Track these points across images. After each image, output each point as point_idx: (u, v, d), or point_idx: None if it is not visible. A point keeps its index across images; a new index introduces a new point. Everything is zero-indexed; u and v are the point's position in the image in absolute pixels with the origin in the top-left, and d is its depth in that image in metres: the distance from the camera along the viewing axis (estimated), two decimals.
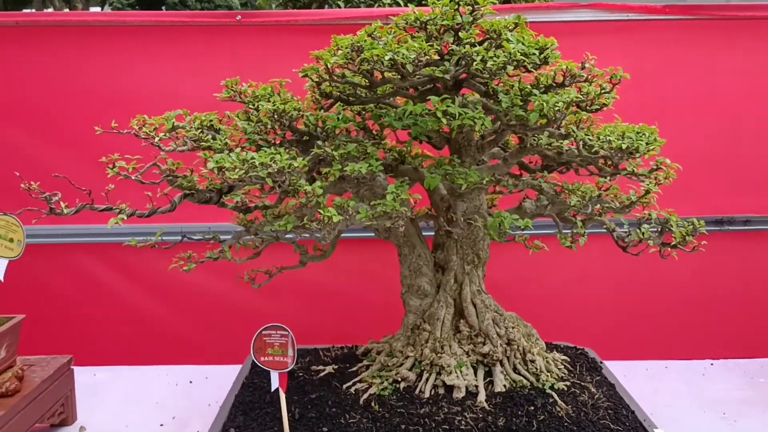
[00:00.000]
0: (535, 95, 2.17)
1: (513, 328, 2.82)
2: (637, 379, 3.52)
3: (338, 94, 2.56)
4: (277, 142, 2.58)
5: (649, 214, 2.68)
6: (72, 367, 3.17)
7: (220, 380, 3.58)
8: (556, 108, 2.09)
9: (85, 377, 3.64)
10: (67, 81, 3.82)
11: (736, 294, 4.01)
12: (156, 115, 2.47)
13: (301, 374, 2.97)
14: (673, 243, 2.66)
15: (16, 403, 2.64)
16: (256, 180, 2.10)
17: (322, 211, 2.09)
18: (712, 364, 3.76)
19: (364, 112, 2.79)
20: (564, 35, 3.91)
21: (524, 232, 2.91)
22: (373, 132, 2.78)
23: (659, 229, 2.70)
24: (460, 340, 2.80)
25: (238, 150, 2.16)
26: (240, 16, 3.93)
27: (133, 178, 2.26)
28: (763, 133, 3.90)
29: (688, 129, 3.85)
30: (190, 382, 3.63)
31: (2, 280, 2.52)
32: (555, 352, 3.04)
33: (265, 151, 2.16)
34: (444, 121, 2.12)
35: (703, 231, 2.64)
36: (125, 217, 2.10)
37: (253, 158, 2.08)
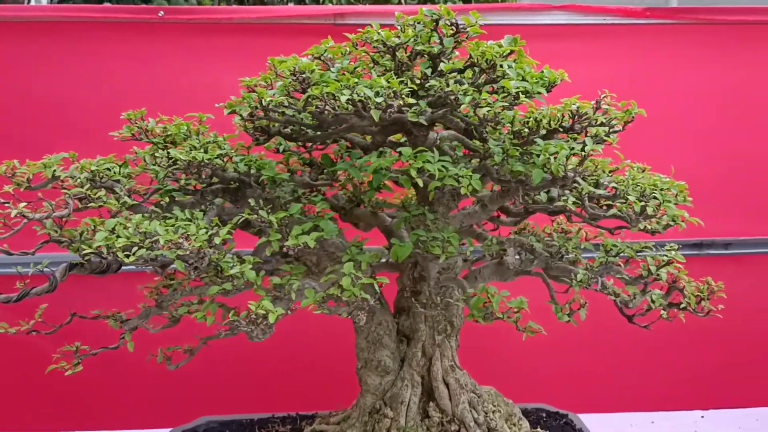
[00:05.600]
0: (538, 144, 1.65)
1: (493, 411, 2.32)
2: None
3: (278, 127, 1.99)
4: (198, 188, 1.99)
5: (658, 274, 2.20)
6: None
7: None
8: (569, 166, 1.58)
9: None
10: None
11: (720, 328, 3.60)
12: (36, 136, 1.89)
13: None
14: (683, 305, 2.21)
15: None
16: (161, 262, 1.52)
17: (252, 304, 1.53)
18: (702, 417, 3.36)
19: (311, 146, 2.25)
20: (536, 39, 3.49)
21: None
22: (320, 165, 2.24)
23: (665, 289, 2.26)
24: (429, 429, 2.28)
25: (137, 217, 1.57)
26: (162, 12, 3.32)
27: None
28: (745, 150, 3.53)
29: (664, 143, 3.45)
30: None
31: None
32: (539, 429, 2.56)
33: (173, 218, 1.58)
34: (420, 182, 1.59)
35: (722, 294, 2.21)
36: None
37: (156, 231, 1.49)
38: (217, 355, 3.22)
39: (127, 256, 1.46)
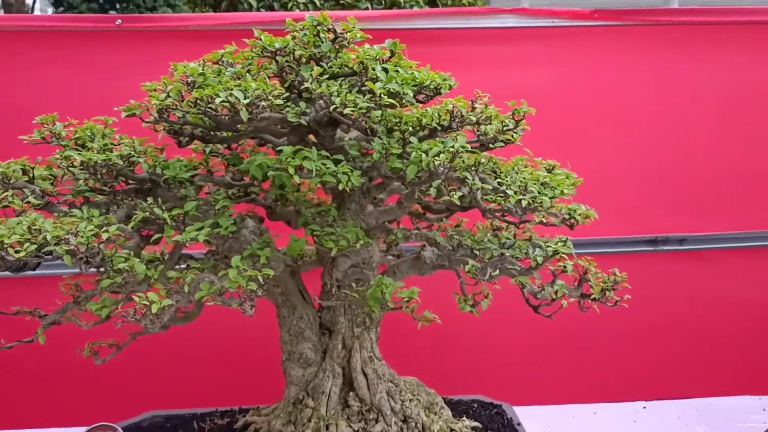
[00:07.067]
0: (412, 144, 1.74)
1: (410, 400, 2.41)
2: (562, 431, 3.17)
3: (190, 129, 2.09)
4: (117, 188, 2.09)
5: (564, 266, 2.29)
6: None
7: None
8: (437, 162, 1.67)
9: None
10: None
11: (671, 322, 3.68)
12: None
13: None
14: (592, 296, 2.30)
15: None
16: (56, 257, 1.63)
17: (138, 296, 1.62)
18: (644, 407, 3.43)
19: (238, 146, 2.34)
20: (488, 42, 3.58)
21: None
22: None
23: (577, 281, 2.34)
24: (350, 417, 2.38)
25: (33, 215, 1.68)
26: (120, 21, 3.42)
27: None
28: (698, 147, 3.60)
29: (619, 142, 3.53)
30: None
31: None
32: (465, 418, 2.64)
33: (66, 216, 1.68)
34: (297, 179, 1.68)
35: (626, 285, 2.29)
36: None
37: (45, 228, 1.60)
38: (165, 350, 3.34)
39: (17, 252, 1.56)
